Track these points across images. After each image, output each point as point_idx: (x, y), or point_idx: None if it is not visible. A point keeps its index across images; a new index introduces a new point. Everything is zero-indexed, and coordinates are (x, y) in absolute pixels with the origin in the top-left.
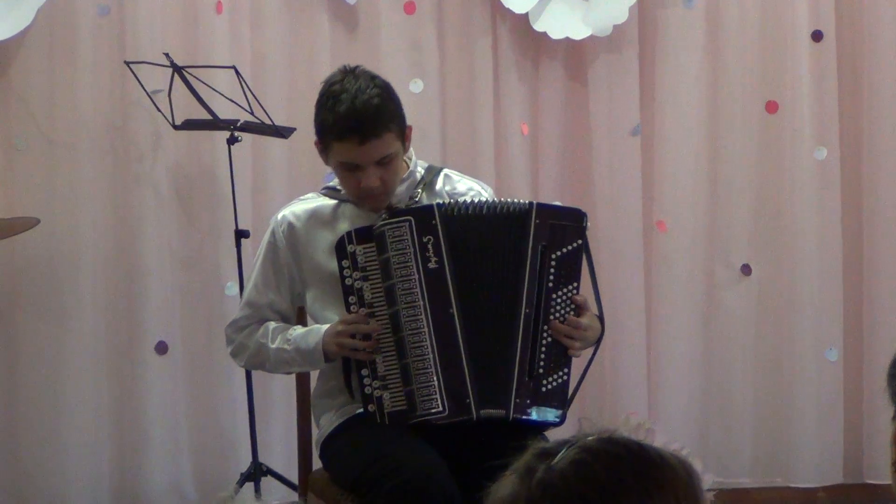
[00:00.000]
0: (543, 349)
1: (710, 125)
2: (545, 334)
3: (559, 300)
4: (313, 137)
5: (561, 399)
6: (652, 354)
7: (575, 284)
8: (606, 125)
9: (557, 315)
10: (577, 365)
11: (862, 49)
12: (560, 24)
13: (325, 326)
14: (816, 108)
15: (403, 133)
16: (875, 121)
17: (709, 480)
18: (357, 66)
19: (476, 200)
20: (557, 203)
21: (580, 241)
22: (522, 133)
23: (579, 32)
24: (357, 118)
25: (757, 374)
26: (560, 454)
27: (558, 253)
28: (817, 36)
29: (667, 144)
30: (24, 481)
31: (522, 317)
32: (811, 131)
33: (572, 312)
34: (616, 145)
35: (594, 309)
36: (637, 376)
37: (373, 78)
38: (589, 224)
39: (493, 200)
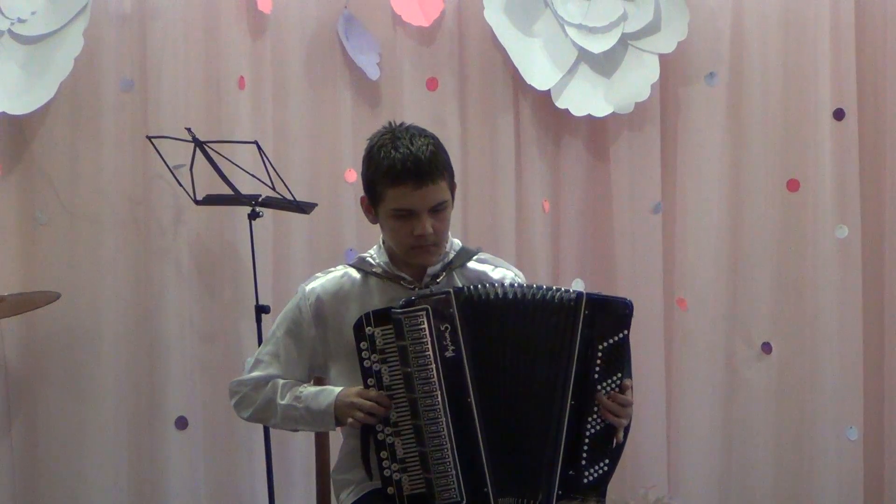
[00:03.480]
0: (587, 440)
1: (731, 203)
2: (588, 426)
3: (604, 391)
4: (333, 213)
5: (600, 491)
6: (672, 431)
7: (619, 375)
8: (628, 203)
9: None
10: None
11: (884, 128)
12: (582, 101)
13: (338, 389)
14: (838, 187)
15: (453, 186)
16: None
17: None
18: (402, 122)
19: (505, 286)
20: (602, 293)
21: (626, 332)
22: (544, 210)
23: (601, 110)
24: (414, 161)
25: (777, 452)
26: None
27: (605, 344)
28: (839, 114)
29: (688, 222)
30: None
31: (568, 410)
32: (832, 210)
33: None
34: (637, 223)
35: None
36: (657, 452)
37: (422, 130)
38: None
39: (532, 287)
